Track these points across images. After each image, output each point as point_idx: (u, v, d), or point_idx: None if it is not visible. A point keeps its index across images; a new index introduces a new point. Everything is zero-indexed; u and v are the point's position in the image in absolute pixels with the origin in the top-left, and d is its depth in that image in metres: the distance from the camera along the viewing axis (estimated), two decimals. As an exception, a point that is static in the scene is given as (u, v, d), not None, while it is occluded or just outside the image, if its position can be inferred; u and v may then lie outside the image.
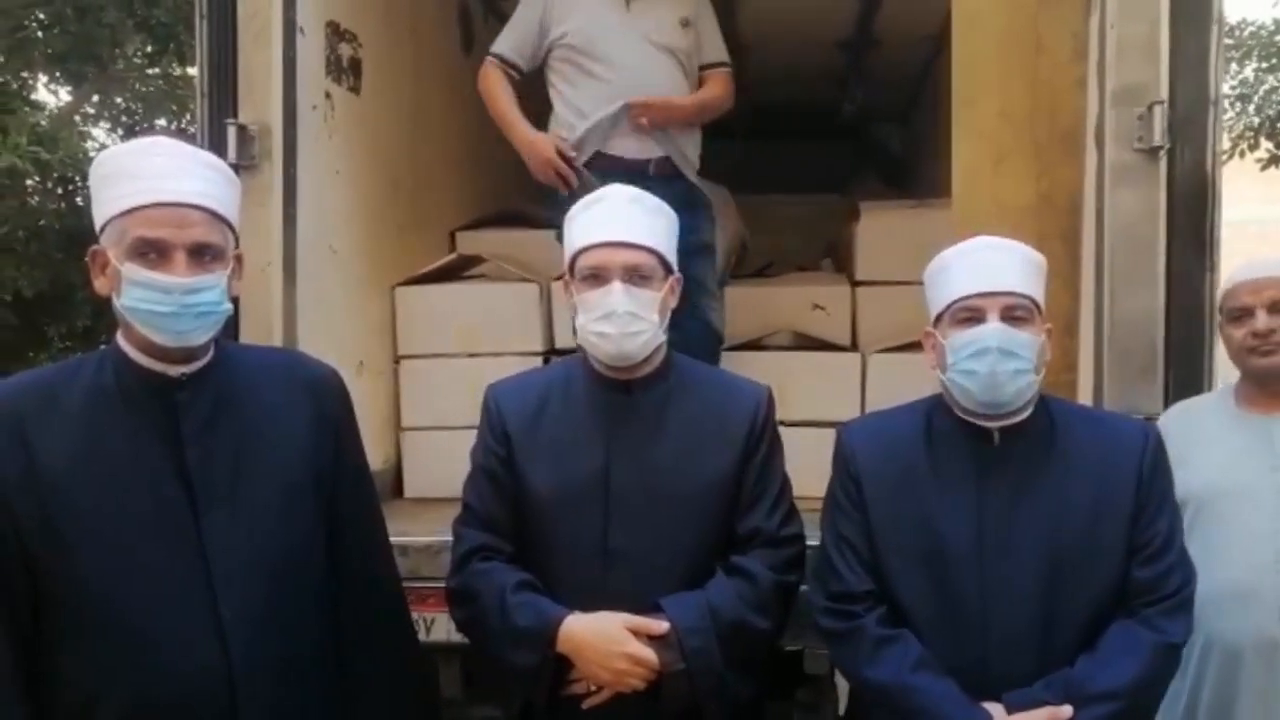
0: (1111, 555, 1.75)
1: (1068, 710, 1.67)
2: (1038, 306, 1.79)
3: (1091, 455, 1.80)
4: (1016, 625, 1.73)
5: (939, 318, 1.81)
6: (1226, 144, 8.64)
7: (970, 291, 1.75)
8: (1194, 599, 1.77)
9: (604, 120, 3.03)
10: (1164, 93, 2.45)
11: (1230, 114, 9.18)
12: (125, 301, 1.54)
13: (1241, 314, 2.12)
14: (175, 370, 1.61)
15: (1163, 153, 2.45)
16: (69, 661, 1.57)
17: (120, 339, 1.63)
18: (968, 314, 1.75)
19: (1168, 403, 2.41)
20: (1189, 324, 2.44)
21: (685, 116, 3.14)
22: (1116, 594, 1.75)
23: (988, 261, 1.77)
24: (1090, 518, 1.75)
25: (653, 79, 3.08)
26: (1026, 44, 2.67)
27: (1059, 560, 1.74)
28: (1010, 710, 1.70)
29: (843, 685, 2.43)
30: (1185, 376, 2.43)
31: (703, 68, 3.24)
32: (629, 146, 3.07)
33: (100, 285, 1.59)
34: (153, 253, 1.53)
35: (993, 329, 1.72)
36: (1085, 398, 2.53)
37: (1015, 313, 1.74)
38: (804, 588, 1.95)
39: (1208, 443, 2.11)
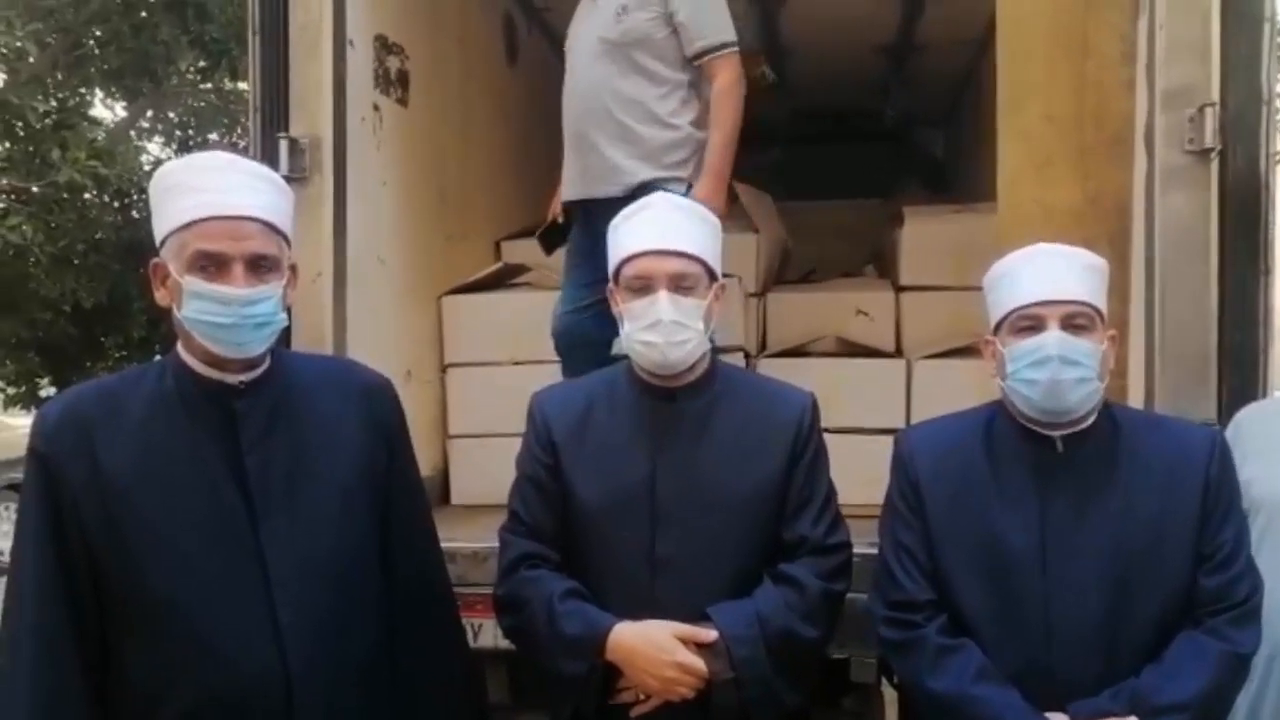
0: (1177, 563, 1.72)
1: None
2: (1099, 314, 1.76)
3: (1157, 462, 1.77)
4: (1081, 633, 1.71)
5: (999, 325, 1.80)
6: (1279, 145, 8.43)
7: (1030, 300, 1.73)
8: (1262, 607, 1.74)
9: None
10: (1215, 94, 2.41)
11: (1284, 113, 8.97)
12: (186, 313, 1.59)
13: None
14: (234, 378, 1.65)
15: (1214, 155, 2.41)
16: (133, 661, 1.61)
17: (180, 348, 1.67)
18: (1028, 322, 1.74)
19: (1221, 409, 2.37)
20: (1242, 328, 2.39)
21: (723, 165, 2.93)
22: (1182, 602, 1.72)
23: (1048, 269, 1.74)
24: (1156, 526, 1.73)
25: (596, 77, 2.95)
26: (1073, 46, 2.64)
27: (1124, 568, 1.71)
28: None
29: (889, 693, 2.41)
30: (1239, 382, 2.38)
31: (697, 57, 2.96)
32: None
33: (161, 297, 1.64)
34: (211, 265, 1.57)
35: (1053, 337, 1.70)
36: (1136, 403, 2.49)
37: (1076, 320, 1.72)
38: (851, 595, 1.95)
39: None
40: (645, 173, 2.94)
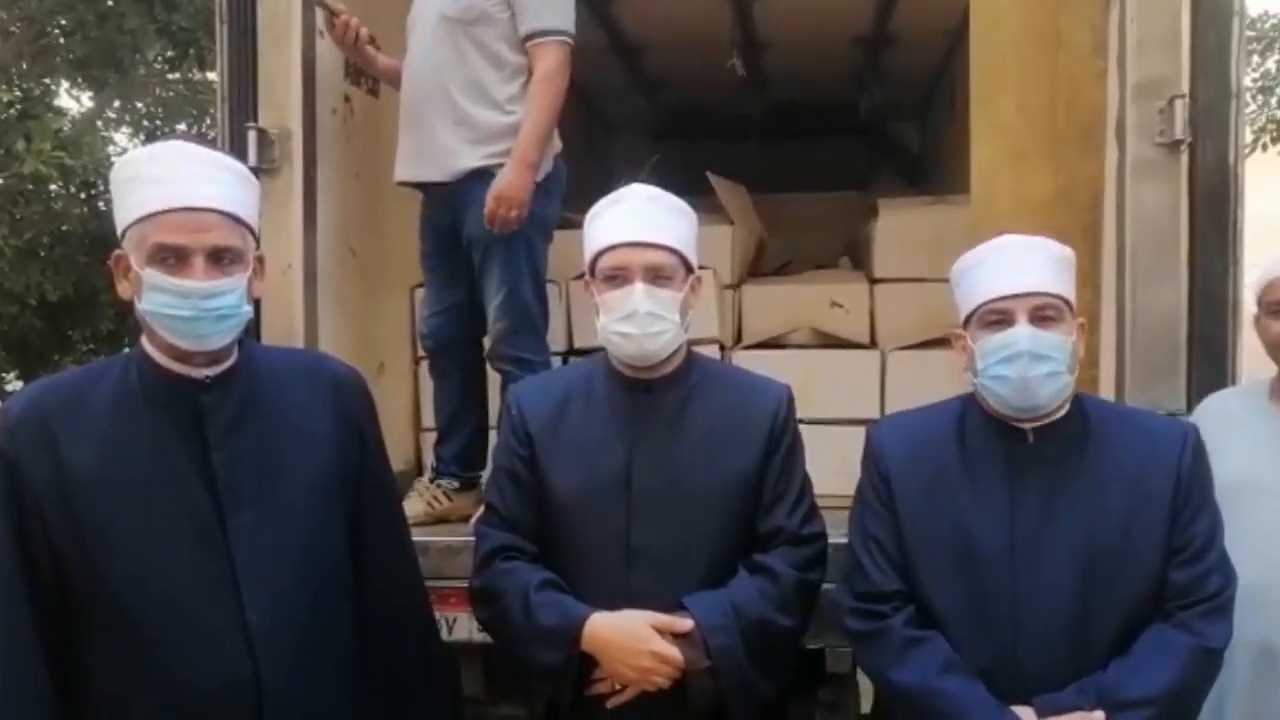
0: (1147, 557, 1.71)
1: (1099, 716, 1.64)
2: (1068, 304, 1.76)
3: (1128, 455, 1.76)
4: (1050, 627, 1.70)
5: (968, 319, 1.79)
6: (1249, 137, 8.56)
7: (998, 294, 1.72)
8: (1234, 602, 1.72)
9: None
10: (1185, 86, 2.43)
11: (1252, 107, 9.12)
12: (146, 306, 1.56)
13: None
14: (200, 372, 1.63)
15: (1184, 147, 2.43)
16: (99, 662, 1.59)
17: (145, 342, 1.64)
18: (997, 316, 1.73)
19: (1190, 399, 2.39)
20: (1212, 319, 2.42)
21: (534, 155, 2.71)
22: (1152, 596, 1.71)
23: (1014, 261, 1.74)
24: (1126, 519, 1.72)
25: (436, 57, 2.80)
26: (1046, 39, 2.65)
27: (1093, 562, 1.71)
28: (1040, 715, 1.67)
29: (865, 684, 2.42)
30: (1208, 372, 2.41)
31: (525, 39, 2.79)
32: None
33: (123, 290, 1.61)
34: (171, 258, 1.54)
35: (1022, 333, 1.69)
36: (1107, 394, 2.51)
37: (1045, 313, 1.71)
38: (826, 586, 1.95)
39: (1233, 435, 2.09)
40: (472, 159, 2.80)
